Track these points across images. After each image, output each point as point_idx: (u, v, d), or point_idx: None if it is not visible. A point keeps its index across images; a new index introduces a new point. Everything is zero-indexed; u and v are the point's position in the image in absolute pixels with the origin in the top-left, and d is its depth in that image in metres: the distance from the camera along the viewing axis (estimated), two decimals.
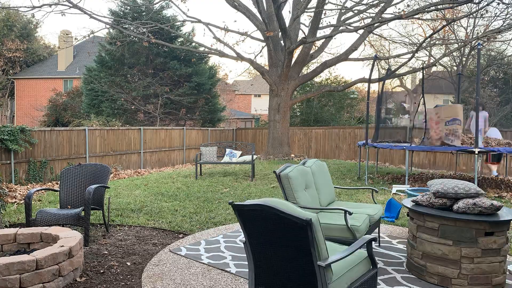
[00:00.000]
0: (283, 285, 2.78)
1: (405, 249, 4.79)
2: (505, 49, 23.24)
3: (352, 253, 2.81)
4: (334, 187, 5.33)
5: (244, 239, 2.93)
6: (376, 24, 12.91)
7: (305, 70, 20.38)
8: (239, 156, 10.93)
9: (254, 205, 2.69)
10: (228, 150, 10.92)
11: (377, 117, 11.01)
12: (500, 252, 3.67)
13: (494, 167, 11.40)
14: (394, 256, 4.58)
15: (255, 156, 11.67)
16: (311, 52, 14.39)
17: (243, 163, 10.12)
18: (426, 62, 22.78)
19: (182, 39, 18.62)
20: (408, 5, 15.68)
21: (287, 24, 12.70)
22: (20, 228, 4.27)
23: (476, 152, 8.17)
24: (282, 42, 13.56)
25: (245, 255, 4.56)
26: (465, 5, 17.16)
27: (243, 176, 10.20)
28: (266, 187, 8.99)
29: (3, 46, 29.05)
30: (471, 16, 19.26)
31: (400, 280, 3.90)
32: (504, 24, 13.42)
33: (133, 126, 15.57)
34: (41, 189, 5.36)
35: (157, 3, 17.33)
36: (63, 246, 3.69)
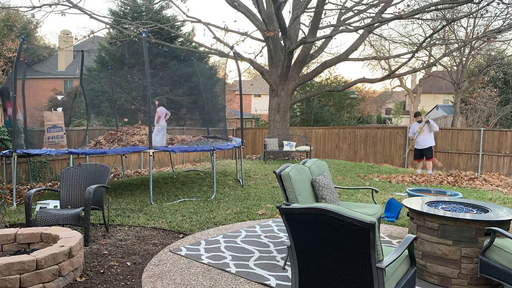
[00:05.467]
0: None
1: None
2: (505, 49, 23.24)
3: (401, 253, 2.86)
4: (335, 187, 5.33)
5: (289, 243, 2.93)
6: (376, 24, 12.90)
7: (305, 70, 20.39)
8: (296, 147, 13.56)
9: (308, 208, 2.69)
10: (286, 142, 13.51)
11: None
12: None
13: (427, 165, 11.00)
14: None
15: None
16: (311, 52, 14.38)
17: (303, 151, 13.20)
18: (426, 62, 22.77)
19: (182, 39, 18.62)
20: (408, 5, 15.69)
21: (287, 24, 12.69)
22: (20, 228, 4.27)
23: (151, 153, 7.07)
24: (282, 42, 13.55)
25: (242, 254, 4.57)
26: (465, 5, 17.15)
27: (243, 176, 10.20)
28: (266, 187, 8.99)
29: (3, 46, 29.04)
30: (471, 16, 19.26)
31: None
32: (504, 24, 13.41)
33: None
34: (41, 189, 5.37)
35: (157, 3, 17.35)
36: (63, 246, 3.69)
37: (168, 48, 18.70)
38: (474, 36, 18.54)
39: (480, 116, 23.32)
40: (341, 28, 13.05)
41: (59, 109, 11.06)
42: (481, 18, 19.51)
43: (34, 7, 11.88)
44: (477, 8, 14.07)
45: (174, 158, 15.42)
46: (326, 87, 20.41)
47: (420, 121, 10.80)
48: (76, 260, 3.81)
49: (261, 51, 16.19)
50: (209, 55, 20.52)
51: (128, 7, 19.36)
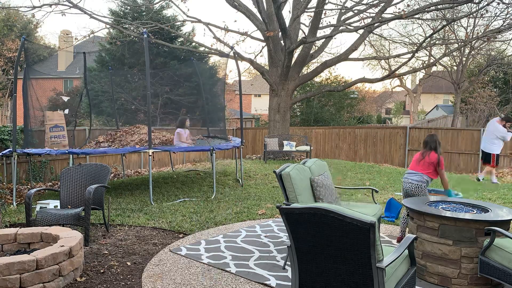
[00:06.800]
0: None
1: None
2: (505, 49, 23.24)
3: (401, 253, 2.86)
4: (335, 187, 5.33)
5: (289, 243, 2.94)
6: (376, 24, 12.90)
7: (305, 70, 20.37)
8: (296, 147, 13.53)
9: (308, 208, 2.69)
10: (286, 142, 13.46)
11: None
12: None
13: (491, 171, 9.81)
14: None
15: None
16: (311, 52, 14.37)
17: (303, 151, 13.16)
18: (426, 62, 22.77)
19: (182, 39, 18.62)
20: (408, 5, 15.69)
21: (287, 24, 12.68)
22: (20, 228, 4.27)
23: (150, 153, 7.12)
24: (282, 42, 13.55)
25: (242, 254, 4.57)
26: (465, 5, 17.15)
27: (243, 177, 10.20)
28: (266, 187, 8.99)
29: (3, 46, 29.04)
30: (471, 16, 19.26)
31: None
32: (504, 24, 13.40)
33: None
34: (41, 189, 5.37)
35: (157, 3, 17.34)
36: (63, 246, 3.69)
37: (168, 48, 18.71)
38: (474, 36, 18.54)
39: (480, 116, 23.32)
40: (341, 28, 13.05)
41: (66, 111, 11.07)
42: (481, 18, 19.52)
43: (34, 7, 11.88)
44: (477, 8, 14.07)
45: (174, 158, 15.42)
46: (326, 87, 20.41)
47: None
48: (76, 260, 3.81)
49: (261, 51, 16.20)
50: (209, 55, 20.52)
51: (128, 7, 19.36)
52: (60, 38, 28.05)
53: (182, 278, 3.90)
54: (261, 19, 13.31)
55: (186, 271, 4.09)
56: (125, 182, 9.75)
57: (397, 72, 14.28)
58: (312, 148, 14.85)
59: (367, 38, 18.43)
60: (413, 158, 5.14)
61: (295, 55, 13.95)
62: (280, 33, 13.44)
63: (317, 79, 24.51)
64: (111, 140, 9.54)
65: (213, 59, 21.74)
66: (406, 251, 3.14)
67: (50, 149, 7.74)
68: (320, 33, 13.91)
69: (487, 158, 9.86)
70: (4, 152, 7.95)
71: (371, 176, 10.76)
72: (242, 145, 9.51)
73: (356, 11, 13.67)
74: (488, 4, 11.36)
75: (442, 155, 5.19)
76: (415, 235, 3.06)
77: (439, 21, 17.08)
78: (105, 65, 19.38)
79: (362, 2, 13.45)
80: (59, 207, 5.65)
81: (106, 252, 4.61)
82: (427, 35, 17.79)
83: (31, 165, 9.73)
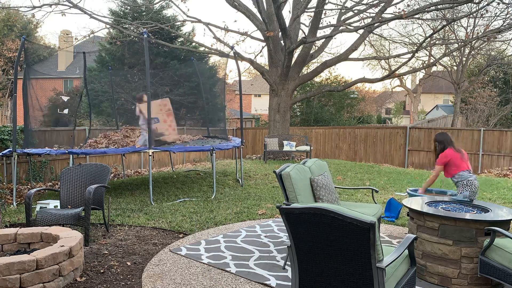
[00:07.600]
0: None
1: None
2: (505, 49, 23.23)
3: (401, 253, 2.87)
4: (335, 187, 5.33)
5: (289, 243, 2.94)
6: (376, 24, 12.90)
7: (305, 70, 20.38)
8: (296, 147, 13.54)
9: (308, 208, 2.69)
10: (286, 142, 13.46)
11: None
12: None
13: None
14: None
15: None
16: (311, 52, 14.38)
17: (303, 151, 13.10)
18: (426, 62, 22.77)
19: (182, 39, 18.63)
20: (408, 5, 15.69)
21: (287, 24, 12.68)
22: (20, 228, 4.27)
23: (150, 153, 7.33)
24: (282, 42, 13.55)
25: (242, 254, 4.57)
26: (465, 5, 17.15)
27: (243, 177, 10.20)
28: (266, 187, 8.99)
29: (3, 46, 29.04)
30: (471, 16, 19.26)
31: None
32: (504, 24, 13.39)
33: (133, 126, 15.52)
34: (41, 189, 5.37)
35: (157, 3, 17.33)
36: (63, 246, 3.69)
37: (168, 48, 18.70)
38: (474, 36, 18.54)
39: (480, 116, 23.32)
40: (341, 28, 13.05)
41: (66, 111, 11.08)
42: (481, 18, 19.51)
43: (34, 7, 11.88)
44: (477, 8, 14.07)
45: (174, 158, 15.42)
46: (326, 87, 20.41)
47: None
48: (76, 260, 3.81)
49: (261, 51, 16.20)
50: (209, 55, 20.51)
51: (128, 7, 19.36)
52: (60, 38, 28.05)
53: (182, 278, 3.90)
54: (261, 19, 13.30)
55: (186, 271, 4.09)
56: (125, 182, 9.75)
57: (397, 72, 14.28)
58: (312, 148, 14.85)
59: (367, 38, 18.43)
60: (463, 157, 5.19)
61: (295, 55, 13.95)
62: (280, 33, 13.44)
63: (317, 79, 24.52)
64: (111, 140, 9.55)
65: (213, 59, 21.74)
66: (406, 251, 3.15)
67: (50, 149, 7.74)
68: (320, 33, 13.91)
69: None
70: (4, 152, 7.95)
71: (371, 176, 10.76)
72: (242, 145, 9.51)
73: (356, 11, 13.67)
74: (488, 4, 11.36)
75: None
76: (415, 235, 3.06)
77: (439, 21, 17.08)
78: (105, 65, 19.38)
79: (362, 2, 13.45)
80: (59, 207, 5.65)
81: (106, 252, 4.61)
82: (427, 35, 17.79)
83: (31, 165, 9.73)
